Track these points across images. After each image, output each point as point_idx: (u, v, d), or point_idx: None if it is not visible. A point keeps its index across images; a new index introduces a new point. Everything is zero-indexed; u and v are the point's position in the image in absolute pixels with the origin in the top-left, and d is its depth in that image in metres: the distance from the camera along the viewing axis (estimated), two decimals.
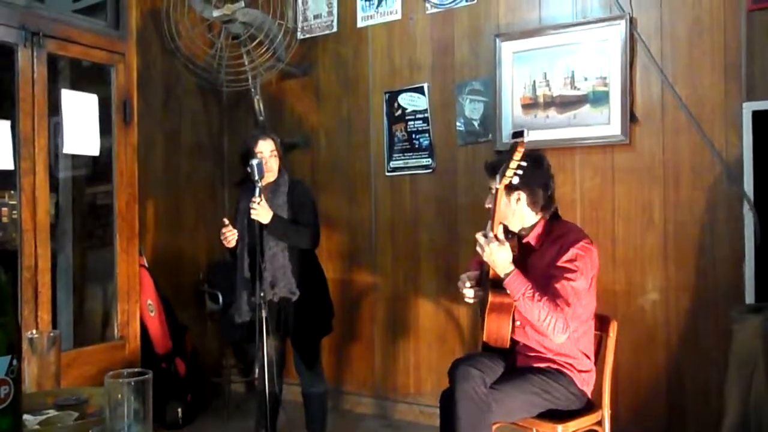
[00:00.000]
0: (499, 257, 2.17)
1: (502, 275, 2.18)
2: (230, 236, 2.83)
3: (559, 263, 2.20)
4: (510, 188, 2.25)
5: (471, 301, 2.42)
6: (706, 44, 2.90)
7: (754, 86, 2.78)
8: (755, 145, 2.66)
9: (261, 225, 2.78)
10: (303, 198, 2.92)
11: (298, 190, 2.92)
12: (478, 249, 2.22)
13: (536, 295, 2.13)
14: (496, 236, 2.19)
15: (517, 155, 2.08)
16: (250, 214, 2.74)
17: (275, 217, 2.76)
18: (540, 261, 2.28)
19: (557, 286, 2.16)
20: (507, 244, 2.19)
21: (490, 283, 2.26)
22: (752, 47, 2.79)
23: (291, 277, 2.83)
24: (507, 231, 2.33)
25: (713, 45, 2.89)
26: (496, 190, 2.20)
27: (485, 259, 2.21)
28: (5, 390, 0.84)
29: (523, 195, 2.30)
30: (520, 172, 2.13)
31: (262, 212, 2.73)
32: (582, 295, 2.18)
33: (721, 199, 2.88)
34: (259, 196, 2.72)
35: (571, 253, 2.20)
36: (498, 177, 2.17)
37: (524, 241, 2.35)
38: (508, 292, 2.19)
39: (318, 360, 3.01)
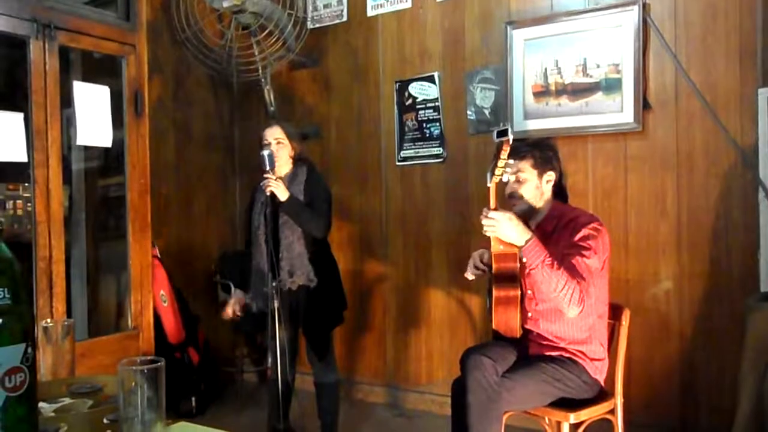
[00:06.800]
0: (510, 227, 2.12)
1: (522, 243, 2.12)
2: None
3: (572, 241, 2.20)
4: (542, 167, 2.31)
5: (471, 277, 2.43)
6: (721, 29, 2.86)
7: None
8: None
9: (276, 217, 2.78)
10: (317, 187, 2.89)
11: (312, 180, 2.91)
12: (488, 232, 2.15)
13: (555, 263, 2.10)
14: (495, 208, 2.14)
15: (504, 154, 2.06)
16: (267, 206, 2.74)
17: (292, 196, 2.76)
18: (554, 247, 2.25)
19: (573, 261, 2.15)
20: (510, 213, 2.16)
21: (494, 278, 2.24)
22: None
23: (308, 265, 2.83)
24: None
25: (728, 30, 2.84)
26: (488, 189, 2.16)
27: (500, 236, 2.14)
28: (20, 377, 0.84)
29: (553, 175, 2.34)
30: (508, 170, 2.17)
31: (280, 187, 2.72)
32: (595, 274, 2.17)
33: (735, 186, 2.85)
34: (273, 173, 2.72)
35: (584, 232, 2.20)
36: (488, 176, 2.15)
37: (538, 225, 2.35)
38: (525, 260, 2.13)
39: (329, 350, 3.00)
